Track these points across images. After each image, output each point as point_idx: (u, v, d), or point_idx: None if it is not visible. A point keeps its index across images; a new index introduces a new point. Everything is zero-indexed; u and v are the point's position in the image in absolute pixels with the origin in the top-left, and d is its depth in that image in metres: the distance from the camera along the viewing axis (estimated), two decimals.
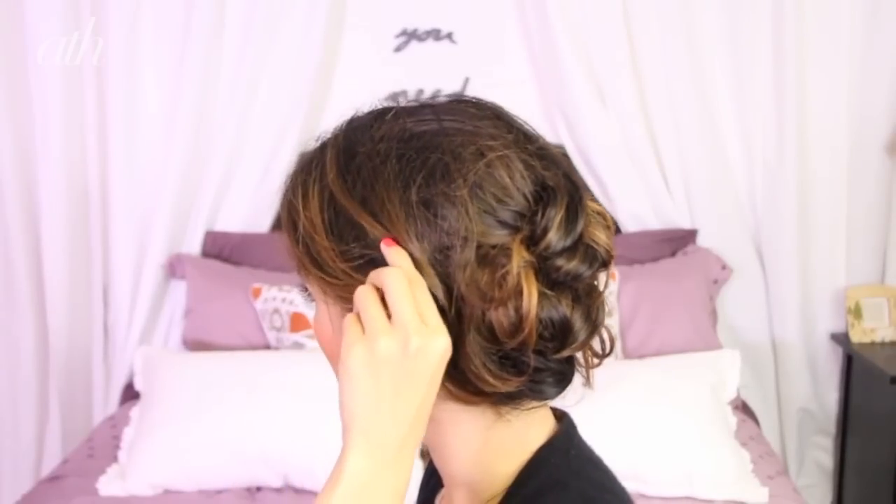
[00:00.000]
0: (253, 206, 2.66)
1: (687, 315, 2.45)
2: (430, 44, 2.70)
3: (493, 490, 0.70)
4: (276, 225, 2.69)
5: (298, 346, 2.39)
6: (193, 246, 2.65)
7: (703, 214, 2.68)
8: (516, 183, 0.65)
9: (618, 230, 2.63)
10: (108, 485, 2.04)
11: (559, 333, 0.65)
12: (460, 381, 0.65)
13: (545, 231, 0.64)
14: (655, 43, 2.58)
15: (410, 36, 2.71)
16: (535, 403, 0.69)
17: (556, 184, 0.66)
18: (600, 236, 0.67)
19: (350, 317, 0.64)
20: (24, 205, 2.63)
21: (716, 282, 2.60)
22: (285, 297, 2.40)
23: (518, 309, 0.63)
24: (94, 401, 2.73)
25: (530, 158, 0.66)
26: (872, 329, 2.64)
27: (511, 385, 0.65)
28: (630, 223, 2.65)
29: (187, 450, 2.05)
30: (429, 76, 2.67)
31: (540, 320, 0.64)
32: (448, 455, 0.72)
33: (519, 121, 0.70)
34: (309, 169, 0.69)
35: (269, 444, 2.04)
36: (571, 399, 0.71)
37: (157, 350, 2.53)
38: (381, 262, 0.64)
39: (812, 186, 2.64)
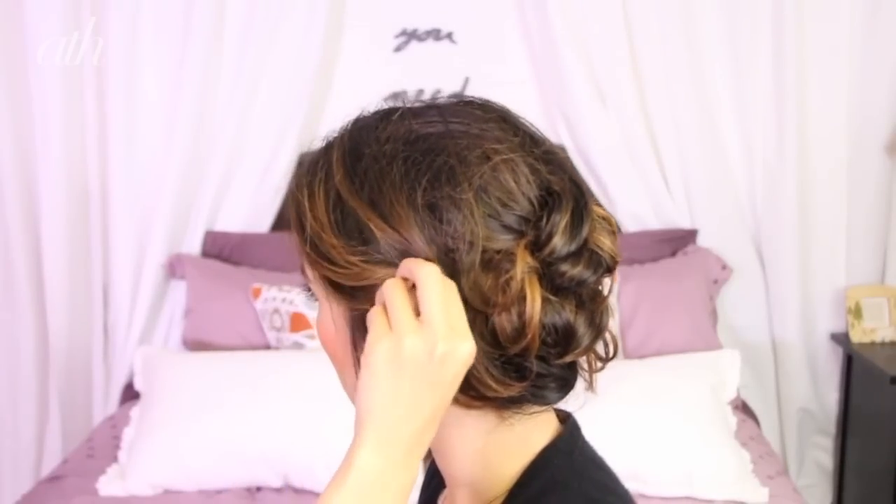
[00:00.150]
0: (253, 206, 2.65)
1: (687, 315, 2.45)
2: (430, 44, 2.70)
3: (495, 491, 0.70)
4: (276, 225, 2.69)
5: (298, 346, 2.39)
6: (193, 246, 2.65)
7: (703, 214, 2.68)
8: (521, 187, 0.65)
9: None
10: (108, 485, 2.04)
11: (562, 339, 0.65)
12: (463, 385, 0.65)
13: (550, 236, 0.64)
14: (655, 43, 2.58)
15: (410, 36, 2.71)
16: (537, 408, 0.68)
17: (561, 188, 0.65)
18: (605, 242, 0.66)
19: (377, 310, 0.63)
20: (24, 205, 2.63)
21: (716, 282, 2.60)
22: (285, 297, 2.40)
23: (521, 314, 0.63)
24: (94, 401, 2.73)
25: (536, 162, 0.66)
26: (872, 329, 2.64)
27: (513, 390, 0.65)
28: (630, 223, 2.65)
29: (187, 450, 2.05)
30: (429, 76, 2.67)
31: (543, 326, 0.64)
32: (450, 456, 0.71)
33: (525, 123, 0.69)
34: (315, 169, 0.69)
35: (269, 444, 2.04)
36: (574, 403, 0.71)
37: (157, 350, 2.53)
38: (393, 260, 0.64)
39: (812, 186, 2.64)
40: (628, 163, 2.63)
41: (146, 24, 2.59)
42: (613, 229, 0.68)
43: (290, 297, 2.40)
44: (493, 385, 0.64)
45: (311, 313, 2.38)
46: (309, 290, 0.71)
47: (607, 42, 2.58)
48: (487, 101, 0.70)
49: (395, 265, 0.63)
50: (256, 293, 2.45)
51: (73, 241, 2.63)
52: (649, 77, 2.60)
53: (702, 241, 2.67)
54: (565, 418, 0.74)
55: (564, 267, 0.64)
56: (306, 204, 0.67)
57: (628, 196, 2.64)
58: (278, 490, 2.07)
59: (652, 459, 2.00)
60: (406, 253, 0.63)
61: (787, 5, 2.52)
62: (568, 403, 0.71)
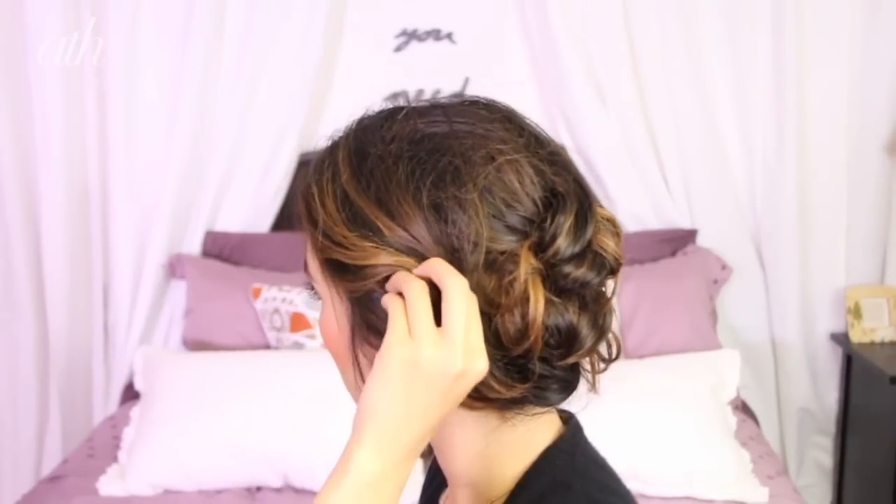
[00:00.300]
0: (253, 206, 2.66)
1: (687, 315, 2.45)
2: (430, 44, 2.70)
3: (497, 491, 0.70)
4: (277, 225, 2.69)
5: (298, 346, 2.39)
6: (193, 246, 2.65)
7: (703, 214, 2.68)
8: (526, 188, 0.64)
9: None
10: (108, 485, 2.04)
11: (565, 341, 0.65)
12: None
13: (554, 237, 0.64)
14: (655, 43, 2.58)
15: (410, 36, 2.71)
16: (539, 409, 0.68)
17: (566, 190, 0.65)
18: (609, 243, 0.66)
19: (397, 305, 0.63)
20: (24, 205, 2.63)
21: (716, 282, 2.60)
22: (285, 297, 2.41)
23: (524, 316, 0.63)
24: (94, 401, 2.73)
25: (541, 163, 0.66)
26: (872, 329, 2.64)
27: (515, 392, 0.65)
28: (630, 223, 2.64)
29: (187, 450, 2.05)
30: (429, 76, 2.67)
31: (546, 327, 0.64)
32: (452, 456, 0.72)
33: (530, 124, 0.69)
34: (321, 169, 0.69)
35: (269, 444, 2.04)
36: (577, 405, 0.71)
37: (158, 350, 2.53)
38: (404, 251, 0.63)
39: (812, 186, 2.64)
40: (628, 163, 2.63)
41: (146, 24, 2.59)
42: (617, 231, 0.68)
43: (290, 297, 2.40)
44: (496, 386, 0.64)
45: (311, 313, 2.38)
46: (312, 288, 0.71)
47: (607, 42, 2.58)
48: (493, 101, 0.70)
49: (405, 254, 0.63)
50: (256, 293, 2.45)
51: (73, 240, 2.63)
52: (649, 77, 2.60)
53: (702, 241, 2.67)
54: (568, 419, 0.74)
55: (568, 268, 0.64)
56: (318, 202, 0.67)
57: (628, 196, 2.64)
58: (278, 490, 2.07)
59: (652, 459, 2.00)
60: (415, 251, 0.63)
61: (787, 5, 2.52)
62: (570, 404, 0.71)
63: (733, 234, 2.69)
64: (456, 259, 0.63)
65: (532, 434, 0.70)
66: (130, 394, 2.50)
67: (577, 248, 0.64)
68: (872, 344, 2.63)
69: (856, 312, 2.63)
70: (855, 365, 2.66)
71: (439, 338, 0.61)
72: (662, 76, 2.60)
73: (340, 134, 0.70)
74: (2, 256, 2.67)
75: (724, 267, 2.62)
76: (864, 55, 2.59)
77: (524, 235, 0.64)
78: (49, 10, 2.49)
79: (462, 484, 0.72)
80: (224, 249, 2.64)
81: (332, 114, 2.65)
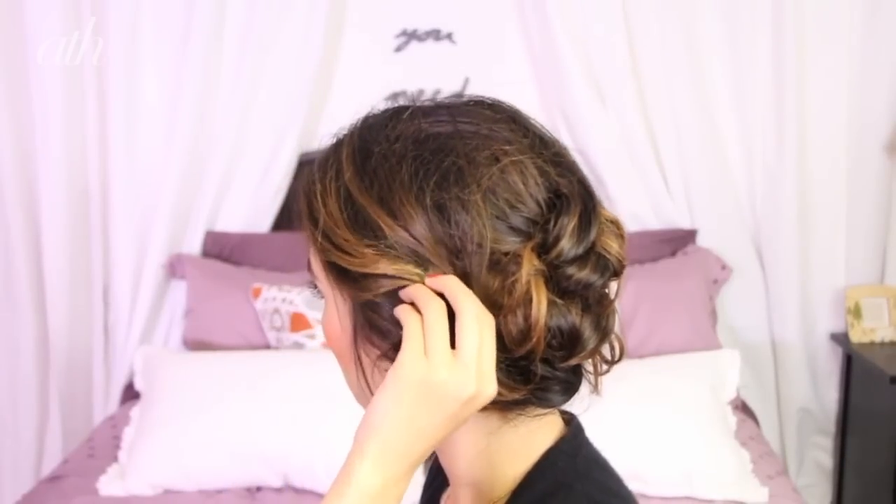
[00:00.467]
0: (253, 206, 2.66)
1: (687, 315, 2.45)
2: (430, 44, 2.70)
3: (499, 491, 0.70)
4: (277, 225, 2.70)
5: (298, 346, 2.39)
6: (193, 246, 2.65)
7: (702, 214, 2.68)
8: (530, 189, 0.64)
9: None
10: (108, 485, 2.04)
11: (567, 342, 0.65)
12: None
13: (557, 239, 0.64)
14: (655, 43, 2.58)
15: (410, 36, 2.71)
16: (540, 410, 0.68)
17: (570, 191, 0.65)
18: (613, 245, 0.66)
19: (414, 322, 0.63)
20: (24, 204, 2.63)
21: (715, 282, 2.60)
22: (285, 297, 2.41)
23: (527, 317, 0.63)
24: (94, 400, 2.74)
25: (545, 164, 0.66)
26: (872, 329, 2.64)
27: (517, 393, 0.65)
28: (630, 223, 2.64)
29: (187, 450, 2.05)
30: (429, 76, 2.67)
31: (549, 329, 0.64)
32: (454, 456, 0.72)
33: (535, 125, 0.69)
34: (325, 167, 0.69)
35: (269, 444, 2.04)
36: (579, 407, 0.71)
37: (158, 350, 2.53)
38: (405, 256, 0.63)
39: (812, 186, 2.64)
40: (628, 163, 2.63)
41: (146, 24, 2.59)
42: (621, 233, 0.68)
43: (290, 297, 2.40)
44: (499, 388, 0.64)
45: (311, 313, 2.38)
46: (315, 286, 0.71)
47: (607, 42, 2.58)
48: (498, 102, 0.70)
49: (408, 260, 0.63)
50: (256, 293, 2.45)
51: (73, 240, 2.63)
52: (649, 77, 2.60)
53: (701, 241, 2.67)
54: (569, 420, 0.74)
55: (571, 270, 0.64)
56: (319, 200, 0.67)
57: (628, 196, 2.64)
58: (278, 490, 2.07)
59: (652, 459, 2.00)
60: (416, 252, 0.63)
61: (786, 6, 2.52)
62: (572, 406, 0.71)
63: (733, 234, 2.69)
64: (458, 260, 0.63)
65: (534, 435, 0.70)
66: (130, 394, 2.50)
67: (580, 250, 0.64)
68: (872, 344, 2.63)
69: (856, 312, 2.63)
70: (855, 365, 2.66)
71: (454, 360, 0.62)
72: (662, 76, 2.60)
73: (345, 132, 0.70)
74: (2, 256, 2.67)
75: (723, 267, 2.62)
76: (864, 55, 2.59)
77: (527, 237, 0.64)
78: (49, 10, 2.49)
79: (464, 484, 0.73)
80: (224, 249, 2.64)
81: (332, 114, 2.65)
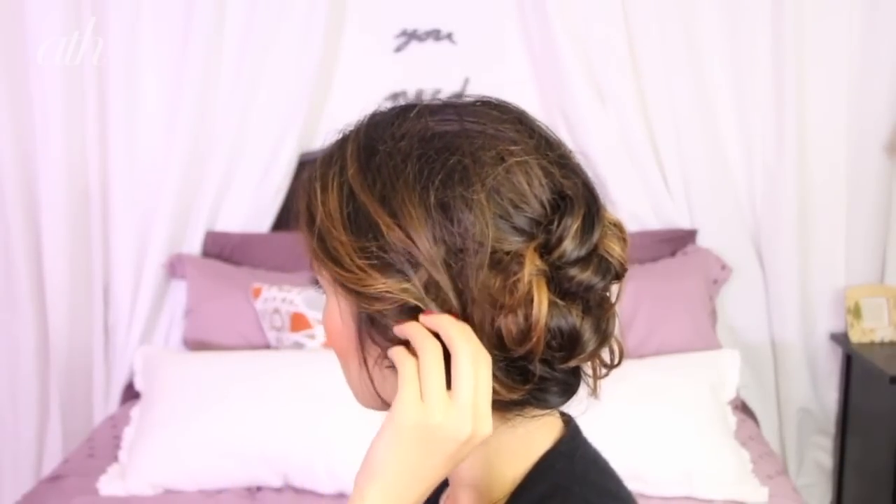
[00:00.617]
0: (253, 206, 2.66)
1: (687, 315, 2.45)
2: (430, 44, 2.70)
3: (497, 493, 0.70)
4: (277, 225, 2.70)
5: (298, 346, 2.39)
6: (194, 246, 2.65)
7: (702, 214, 2.68)
8: (534, 190, 0.65)
9: None
10: (108, 484, 2.04)
11: (567, 343, 0.65)
12: None
13: (560, 240, 0.64)
14: (655, 43, 2.58)
15: (410, 36, 2.71)
16: (538, 411, 0.69)
17: (574, 193, 0.65)
18: (615, 248, 0.67)
19: (410, 366, 0.63)
20: (24, 205, 2.63)
21: (715, 282, 2.60)
22: (285, 297, 2.41)
23: (528, 317, 0.63)
24: (94, 400, 2.74)
25: (550, 166, 0.66)
26: (872, 329, 2.64)
27: (516, 393, 0.65)
28: (630, 223, 2.64)
29: (187, 450, 2.05)
30: (429, 76, 2.67)
31: (549, 329, 0.64)
32: None
33: (541, 127, 0.69)
34: (329, 162, 0.69)
35: (269, 444, 2.04)
36: (576, 408, 0.71)
37: (158, 350, 2.53)
38: (398, 265, 0.63)
39: (811, 186, 2.65)
40: (628, 163, 2.63)
41: (146, 23, 2.59)
42: (624, 236, 0.68)
43: (290, 297, 2.40)
44: (497, 387, 0.64)
45: (311, 313, 2.38)
46: (316, 281, 0.71)
47: (607, 42, 2.58)
48: (504, 102, 0.70)
49: (401, 273, 0.63)
50: (256, 293, 2.45)
51: (73, 240, 2.63)
52: (649, 77, 2.60)
53: (701, 241, 2.67)
54: (568, 421, 0.74)
55: (573, 271, 0.64)
56: (318, 197, 0.67)
57: (628, 196, 2.64)
58: (278, 490, 2.07)
59: (652, 459, 2.01)
60: (410, 255, 0.63)
61: (787, 5, 2.52)
62: (570, 408, 0.71)
63: (733, 235, 2.69)
64: (457, 259, 0.63)
65: (532, 436, 0.70)
66: (130, 393, 2.51)
67: (582, 252, 0.64)
68: (872, 344, 2.63)
69: (855, 312, 2.64)
70: (855, 365, 2.66)
71: (450, 403, 0.62)
72: (662, 76, 2.60)
73: (351, 128, 0.70)
74: (2, 256, 2.67)
75: (723, 267, 2.62)
76: (864, 55, 2.59)
77: (530, 237, 0.64)
78: (49, 10, 2.49)
79: (463, 484, 0.73)
80: (224, 249, 2.64)
81: (332, 114, 2.65)
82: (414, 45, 2.71)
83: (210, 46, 2.58)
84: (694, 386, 2.17)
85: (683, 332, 2.41)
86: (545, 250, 0.64)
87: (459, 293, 0.63)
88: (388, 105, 0.71)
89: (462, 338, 0.62)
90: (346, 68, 2.70)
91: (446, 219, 0.63)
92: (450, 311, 0.63)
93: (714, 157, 2.67)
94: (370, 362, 0.68)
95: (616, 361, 0.70)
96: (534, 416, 0.69)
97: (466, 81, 2.69)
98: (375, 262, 0.64)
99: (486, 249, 0.63)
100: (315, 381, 2.09)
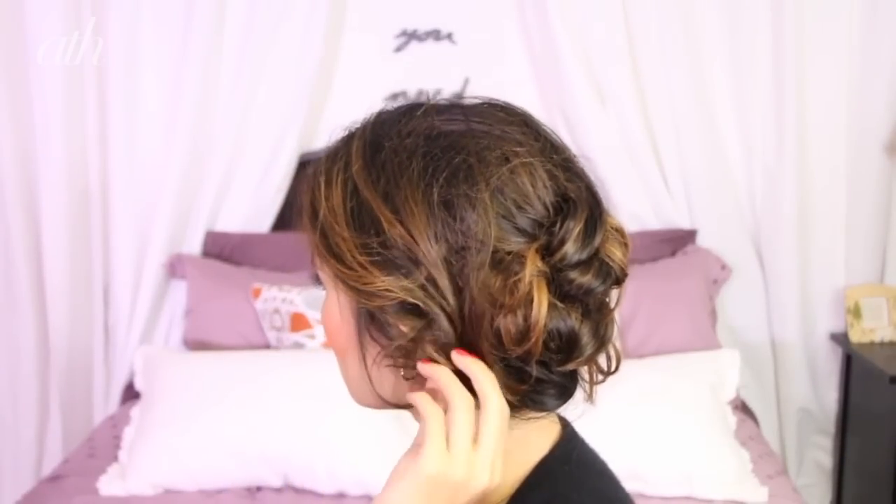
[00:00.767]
0: (253, 206, 2.66)
1: (686, 315, 2.45)
2: (430, 44, 2.70)
3: (496, 497, 0.70)
4: (277, 225, 2.70)
5: (298, 346, 2.39)
6: (194, 246, 2.65)
7: (702, 214, 2.68)
8: (538, 191, 0.65)
9: None
10: (108, 484, 2.04)
11: (565, 346, 0.65)
12: (464, 386, 0.65)
13: (562, 242, 0.64)
14: (655, 43, 2.58)
15: (410, 36, 2.71)
16: (534, 413, 0.69)
17: (577, 196, 0.66)
18: (616, 253, 0.67)
19: (436, 417, 0.64)
20: (24, 205, 2.63)
21: (715, 282, 2.60)
22: (285, 297, 2.41)
23: (527, 317, 0.63)
24: (94, 400, 2.74)
25: (554, 168, 0.66)
26: (872, 329, 2.64)
27: (512, 393, 0.65)
28: (630, 223, 2.64)
29: (187, 450, 2.05)
30: (429, 76, 2.67)
31: (548, 331, 0.64)
32: None
33: (547, 130, 0.70)
34: (334, 158, 0.69)
35: (269, 444, 2.04)
36: (573, 413, 0.71)
37: (158, 350, 2.53)
38: (399, 262, 0.64)
39: (811, 186, 2.65)
40: (628, 163, 2.63)
41: (146, 24, 2.59)
42: (625, 241, 0.68)
43: (290, 297, 2.40)
44: None
45: (311, 313, 2.38)
46: (317, 277, 0.71)
47: (607, 42, 2.58)
48: (510, 105, 0.71)
49: (402, 270, 0.64)
50: (256, 293, 2.45)
51: (73, 240, 2.63)
52: (649, 77, 2.60)
53: (701, 241, 2.67)
54: (564, 424, 0.74)
55: (573, 274, 0.64)
56: (322, 192, 0.68)
57: (628, 196, 2.64)
58: (278, 490, 2.07)
59: (652, 459, 2.01)
60: (410, 252, 0.63)
61: (787, 5, 2.52)
62: (567, 412, 0.71)
63: (733, 235, 2.69)
64: (458, 258, 0.63)
65: (529, 439, 0.70)
66: (131, 393, 2.51)
67: (584, 255, 0.64)
68: (872, 344, 2.63)
69: (855, 312, 2.64)
70: (855, 365, 2.66)
71: (475, 454, 0.63)
72: (662, 76, 2.60)
73: (358, 125, 0.70)
74: (2, 256, 2.67)
75: (723, 267, 2.62)
76: (864, 55, 2.59)
77: (532, 238, 0.64)
78: (49, 10, 2.49)
79: None
80: (224, 249, 2.64)
81: (332, 114, 2.65)
82: (414, 45, 2.71)
83: (210, 46, 2.58)
84: (694, 386, 2.18)
85: (683, 332, 2.41)
86: (546, 252, 0.64)
87: (459, 292, 0.63)
88: (392, 105, 0.72)
89: (495, 390, 0.64)
90: (346, 68, 2.70)
91: (449, 216, 0.63)
92: (448, 310, 0.63)
93: (714, 157, 2.67)
94: (368, 360, 0.68)
95: (613, 368, 0.70)
96: (530, 418, 0.69)
97: (466, 81, 2.69)
98: (376, 258, 0.64)
99: (488, 249, 0.63)
100: (315, 381, 2.09)
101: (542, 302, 0.63)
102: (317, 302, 2.36)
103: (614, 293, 0.69)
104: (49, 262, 2.61)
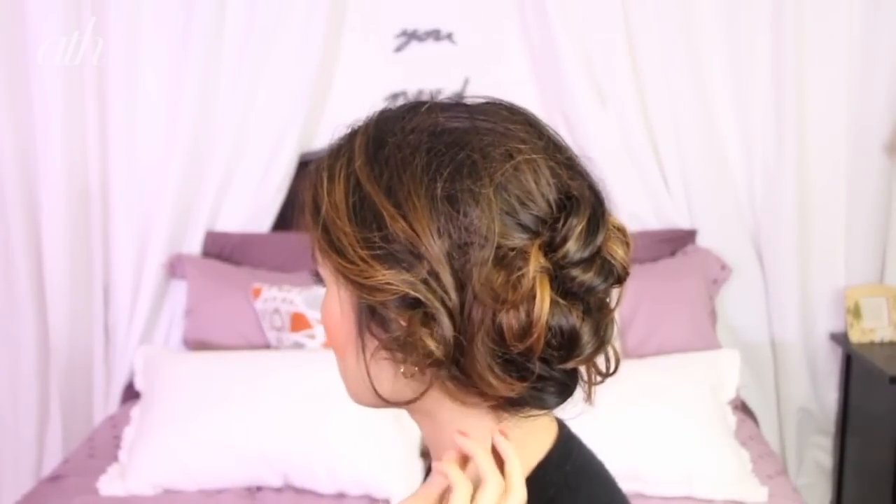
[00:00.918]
0: (253, 206, 2.66)
1: (686, 315, 2.45)
2: (430, 44, 2.70)
3: None
4: (277, 225, 2.70)
5: (298, 346, 2.39)
6: (194, 246, 2.65)
7: (702, 214, 2.68)
8: (541, 188, 0.65)
9: None
10: (108, 484, 2.04)
11: (566, 343, 0.65)
12: (462, 381, 0.65)
13: (564, 239, 0.64)
14: (655, 43, 2.58)
15: (410, 36, 2.71)
16: (534, 411, 0.69)
17: (580, 194, 0.66)
18: (618, 252, 0.67)
19: (465, 488, 0.65)
20: (24, 205, 2.63)
21: (715, 282, 2.60)
22: (285, 297, 2.41)
23: (529, 313, 0.63)
24: (94, 400, 2.74)
25: (557, 167, 0.67)
26: (872, 329, 2.64)
27: (513, 390, 0.65)
28: (630, 223, 2.63)
29: (187, 450, 2.05)
30: (429, 76, 2.67)
31: (549, 328, 0.64)
32: (447, 455, 0.72)
33: (550, 130, 0.70)
34: (337, 154, 0.69)
35: (269, 444, 2.04)
36: (571, 413, 0.71)
37: (158, 350, 2.53)
38: (401, 256, 0.64)
39: (811, 186, 2.65)
40: (628, 163, 2.63)
41: (146, 23, 2.59)
42: (627, 240, 0.68)
43: (290, 297, 2.40)
44: (494, 382, 0.64)
45: (311, 313, 2.38)
46: (317, 273, 0.72)
47: (607, 42, 2.58)
48: (514, 105, 0.71)
49: (403, 265, 0.64)
50: (257, 293, 2.45)
51: (73, 240, 2.63)
52: (649, 77, 2.60)
53: (701, 241, 2.67)
54: (560, 427, 0.74)
55: (576, 272, 0.64)
56: (325, 187, 0.68)
57: (628, 196, 2.64)
58: (278, 490, 2.07)
59: (651, 459, 2.01)
60: (412, 246, 0.63)
61: (787, 5, 2.52)
62: (565, 412, 0.71)
63: (733, 235, 2.69)
64: (461, 253, 0.63)
65: (526, 440, 0.70)
66: (131, 393, 2.51)
67: (586, 253, 0.65)
68: (872, 344, 2.63)
69: (855, 312, 2.64)
70: (854, 365, 2.66)
71: None
72: (662, 76, 2.60)
73: (361, 122, 0.71)
74: (2, 256, 2.67)
75: (723, 267, 2.62)
76: (864, 55, 2.59)
77: (535, 234, 0.64)
78: (49, 10, 2.49)
79: None
80: (224, 249, 2.64)
81: (332, 114, 2.65)
82: (414, 46, 2.71)
83: (210, 46, 2.58)
84: (694, 386, 2.18)
85: (683, 332, 2.41)
86: (549, 249, 0.64)
87: (461, 287, 0.64)
88: (394, 103, 0.72)
89: (495, 472, 0.65)
90: (346, 68, 2.70)
91: (453, 211, 0.63)
92: (450, 305, 0.63)
93: (714, 157, 2.67)
94: (367, 355, 0.68)
95: (612, 370, 0.70)
96: (529, 416, 0.69)
97: (466, 81, 2.69)
98: (378, 252, 0.64)
99: (492, 244, 0.63)
100: (315, 381, 2.09)
101: (544, 298, 0.63)
102: (317, 302, 2.36)
103: (614, 293, 0.69)
104: (49, 262, 2.62)
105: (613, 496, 0.71)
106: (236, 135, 2.62)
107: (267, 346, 2.46)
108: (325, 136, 0.72)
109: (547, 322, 0.63)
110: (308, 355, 2.27)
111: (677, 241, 2.64)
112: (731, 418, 2.20)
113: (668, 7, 2.58)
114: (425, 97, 0.71)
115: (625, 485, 0.75)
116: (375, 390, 0.70)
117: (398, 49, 2.71)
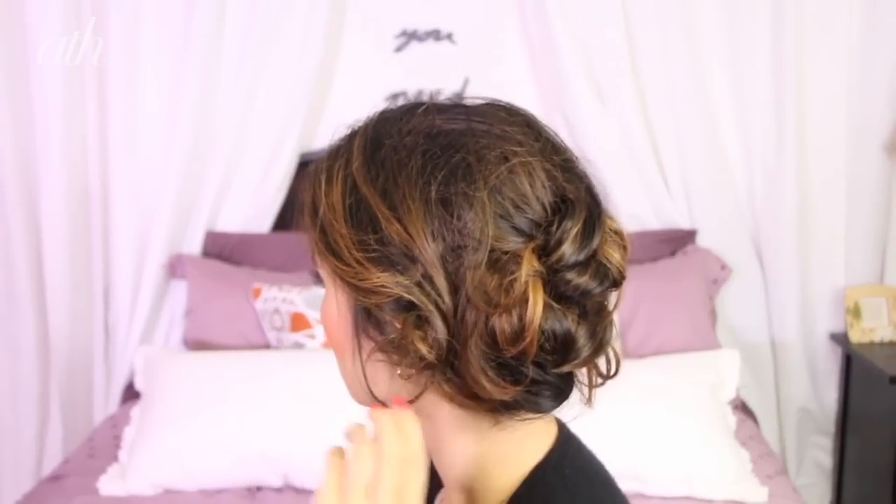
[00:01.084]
0: (253, 206, 2.66)
1: (686, 315, 2.45)
2: (430, 44, 2.71)
3: (490, 501, 0.70)
4: (277, 225, 2.70)
5: (298, 346, 2.39)
6: (194, 246, 2.65)
7: (702, 215, 2.68)
8: (536, 191, 0.65)
9: None
10: (108, 484, 2.04)
11: (561, 347, 0.65)
12: (457, 384, 0.65)
13: (559, 243, 0.64)
14: (655, 43, 2.58)
15: (410, 36, 2.71)
16: (530, 415, 0.68)
17: (576, 197, 0.66)
18: (614, 255, 0.66)
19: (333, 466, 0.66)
20: (24, 205, 2.63)
21: (715, 282, 2.60)
22: (285, 297, 2.41)
23: (521, 317, 0.63)
24: (94, 400, 2.74)
25: (554, 169, 0.66)
26: (871, 329, 2.64)
27: (506, 393, 0.65)
28: (630, 223, 2.63)
29: (187, 450, 2.06)
30: (429, 76, 2.68)
31: (543, 332, 0.64)
32: (446, 457, 0.72)
33: (549, 131, 0.70)
34: (336, 155, 0.69)
35: (269, 444, 2.05)
36: (569, 415, 0.71)
37: (158, 350, 2.53)
38: (395, 259, 0.64)
39: (811, 186, 2.65)
40: (628, 163, 2.63)
41: (146, 24, 2.59)
42: (624, 244, 0.68)
43: (290, 297, 2.40)
44: (488, 386, 0.64)
45: (311, 313, 2.38)
46: (317, 274, 0.72)
47: (607, 42, 2.58)
48: (513, 106, 0.71)
49: (398, 268, 0.64)
50: (257, 293, 2.45)
51: (73, 241, 2.63)
52: (649, 77, 2.60)
53: (701, 241, 2.67)
54: (559, 428, 0.74)
55: (570, 275, 0.64)
56: (323, 189, 0.68)
57: (628, 196, 2.64)
58: (278, 490, 2.07)
59: (651, 459, 2.01)
60: (407, 249, 0.63)
61: (786, 6, 2.52)
62: (563, 414, 0.70)
63: (733, 235, 2.69)
64: (454, 256, 0.63)
65: (524, 441, 0.70)
66: (131, 393, 2.51)
67: (581, 256, 0.64)
68: (872, 344, 2.63)
69: (855, 312, 2.64)
70: (854, 365, 2.66)
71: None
72: (662, 77, 2.60)
73: (361, 123, 0.71)
74: (2, 256, 2.67)
75: (723, 267, 2.62)
76: (864, 55, 2.59)
77: (530, 238, 0.64)
78: (49, 10, 2.49)
79: (457, 488, 0.73)
80: (224, 249, 2.64)
81: (332, 114, 2.65)
82: (414, 45, 2.71)
83: (210, 46, 2.58)
84: (694, 386, 2.18)
85: (683, 332, 2.41)
86: (543, 252, 0.64)
87: (455, 290, 0.63)
88: (395, 103, 0.72)
89: (394, 436, 0.64)
90: (346, 68, 2.70)
91: (447, 214, 0.63)
92: (443, 308, 0.63)
93: (714, 157, 2.67)
94: (364, 356, 0.68)
95: (612, 372, 0.70)
96: (526, 419, 0.68)
97: (466, 81, 2.69)
98: (373, 255, 0.64)
99: (485, 248, 0.63)
100: (315, 381, 2.09)
101: (536, 302, 0.62)
102: (317, 302, 2.36)
103: (613, 296, 0.68)
104: (49, 262, 2.62)
105: (613, 497, 0.71)
106: (236, 135, 2.62)
107: (267, 346, 2.46)
108: (324, 137, 0.73)
109: (540, 326, 0.63)
110: (308, 355, 2.27)
111: (677, 242, 2.64)
112: (731, 418, 2.20)
113: (668, 7, 2.58)
114: (425, 97, 0.71)
115: (625, 485, 0.74)
116: (371, 391, 0.70)
117: (398, 49, 2.71)
